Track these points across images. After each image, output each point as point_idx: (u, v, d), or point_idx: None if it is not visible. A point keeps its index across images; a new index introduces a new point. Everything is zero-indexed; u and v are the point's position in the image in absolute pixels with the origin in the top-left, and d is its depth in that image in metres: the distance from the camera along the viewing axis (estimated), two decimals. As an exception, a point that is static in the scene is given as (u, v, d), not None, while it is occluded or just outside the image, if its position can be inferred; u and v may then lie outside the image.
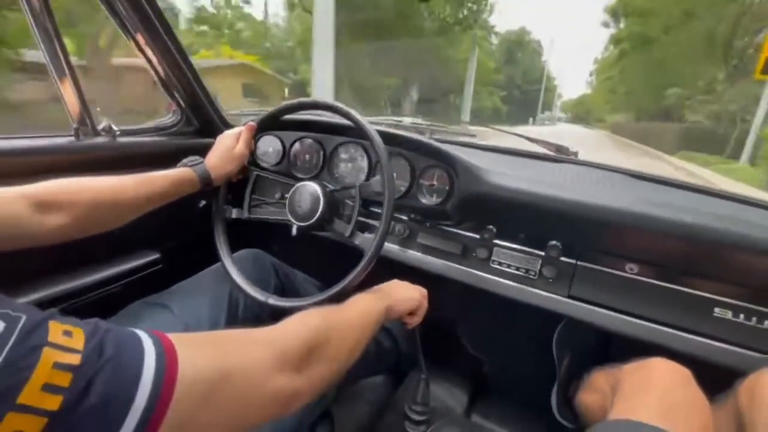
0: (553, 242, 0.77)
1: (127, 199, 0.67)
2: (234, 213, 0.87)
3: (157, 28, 0.83)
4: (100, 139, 0.84)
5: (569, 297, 0.77)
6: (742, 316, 0.65)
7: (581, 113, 64.22)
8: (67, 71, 0.76)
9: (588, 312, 0.76)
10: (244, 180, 0.89)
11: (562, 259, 0.77)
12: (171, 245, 1.01)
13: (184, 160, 0.79)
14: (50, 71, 0.75)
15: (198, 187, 0.77)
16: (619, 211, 0.70)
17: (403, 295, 0.70)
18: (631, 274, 0.73)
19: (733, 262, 0.64)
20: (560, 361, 1.08)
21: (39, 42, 0.72)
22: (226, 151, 0.82)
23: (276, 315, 0.91)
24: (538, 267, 0.79)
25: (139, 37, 0.84)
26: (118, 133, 0.85)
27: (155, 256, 0.94)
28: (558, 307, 0.78)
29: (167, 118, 1.04)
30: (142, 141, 0.94)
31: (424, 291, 0.74)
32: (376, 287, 0.69)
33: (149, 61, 0.89)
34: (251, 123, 0.85)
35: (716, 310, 0.67)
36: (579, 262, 0.77)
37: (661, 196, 0.79)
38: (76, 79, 0.77)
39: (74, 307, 0.80)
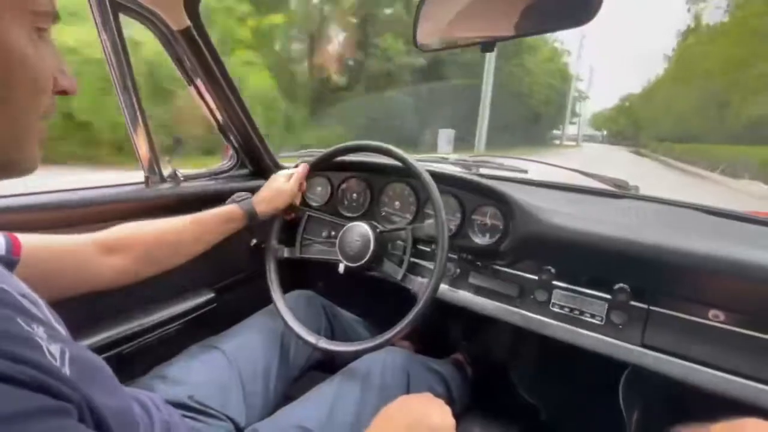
0: (621, 285, 0.72)
1: (181, 238, 0.71)
2: (286, 252, 0.89)
3: (216, 75, 0.89)
4: (166, 185, 0.89)
5: (643, 345, 0.71)
6: None
7: (625, 130, 55.08)
8: (141, 121, 0.82)
9: (666, 363, 0.69)
10: (296, 220, 0.92)
11: (632, 303, 0.71)
12: (225, 284, 1.04)
13: (233, 197, 0.83)
14: (126, 121, 0.82)
15: (244, 222, 0.80)
16: (697, 254, 0.65)
17: (442, 422, 0.56)
18: (716, 321, 0.66)
19: None
20: (629, 414, 0.99)
21: (118, 94, 0.79)
22: (275, 188, 0.85)
23: (326, 357, 0.91)
24: (605, 311, 0.74)
25: (200, 84, 0.91)
26: (182, 179, 0.91)
27: (210, 295, 0.96)
28: (631, 357, 0.71)
29: (224, 163, 1.09)
30: (202, 185, 0.99)
31: (452, 421, 0.59)
32: (405, 401, 0.58)
33: (208, 107, 0.96)
34: (305, 163, 0.88)
35: None
36: (652, 308, 0.70)
37: (742, 235, 0.72)
38: (149, 129, 0.83)
39: (133, 349, 0.83)
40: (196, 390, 0.67)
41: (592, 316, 0.75)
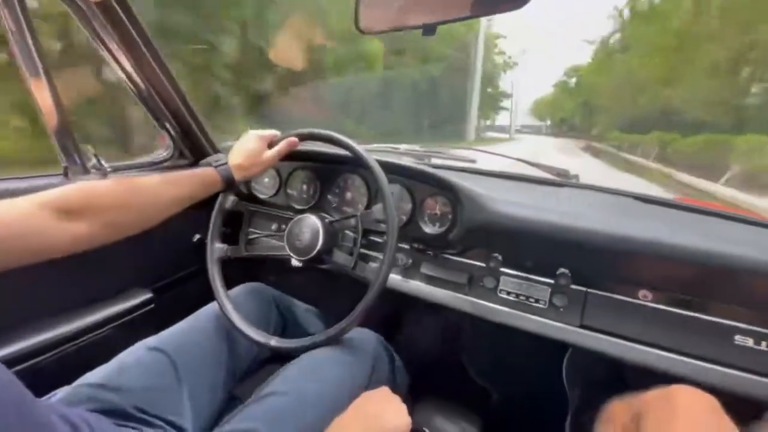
0: (562, 270, 0.75)
1: (152, 200, 0.63)
2: (230, 251, 0.84)
3: (144, 54, 0.81)
4: (90, 177, 0.81)
5: (581, 326, 0.75)
6: (764, 343, 0.63)
7: (571, 117, 43.43)
8: (55, 105, 0.73)
9: (601, 342, 0.73)
10: (239, 216, 0.86)
11: (572, 287, 0.75)
12: (164, 283, 0.97)
13: (207, 159, 0.75)
14: (38, 108, 0.72)
15: (220, 188, 0.73)
16: (627, 237, 0.69)
17: (397, 424, 0.56)
18: (645, 301, 0.70)
19: (752, 287, 0.62)
20: (572, 390, 1.05)
21: (27, 77, 0.70)
22: (253, 152, 0.76)
23: (279, 354, 0.88)
24: (548, 296, 0.77)
25: (126, 64, 0.82)
26: (108, 169, 0.83)
27: (147, 296, 0.89)
28: (570, 338, 0.75)
29: (160, 152, 1.01)
30: (134, 176, 0.91)
31: (407, 419, 0.59)
32: (361, 404, 0.58)
33: (138, 90, 0.87)
34: (294, 138, 0.80)
35: (737, 337, 0.64)
36: (590, 290, 0.74)
37: (670, 220, 0.78)
38: (65, 116, 0.74)
39: (66, 352, 0.76)
40: (137, 397, 0.61)
41: (537, 300, 0.77)
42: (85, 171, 0.80)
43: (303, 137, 0.81)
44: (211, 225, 0.83)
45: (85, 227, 0.55)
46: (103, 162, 0.82)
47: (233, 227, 0.86)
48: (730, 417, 0.51)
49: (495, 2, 0.41)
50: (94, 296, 0.82)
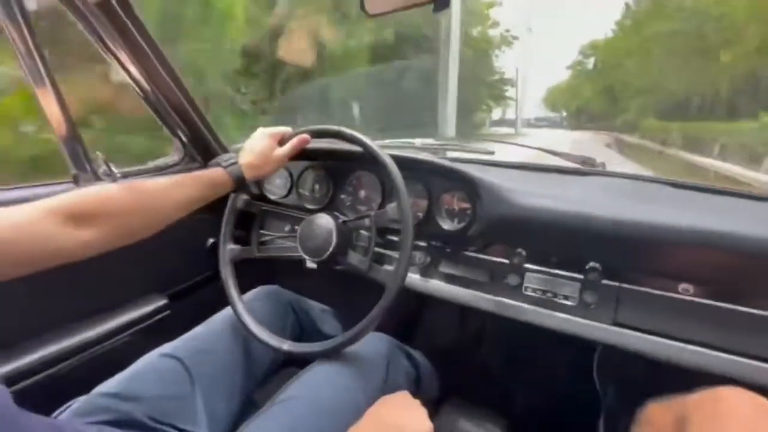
0: (592, 264, 0.70)
1: (160, 204, 0.62)
2: (242, 252, 0.82)
3: (149, 56, 0.79)
4: (100, 184, 0.80)
5: (615, 324, 0.69)
6: None
7: (591, 105, 34.65)
8: (62, 112, 0.72)
9: (639, 340, 0.68)
10: (251, 217, 0.84)
11: (604, 282, 0.70)
12: (178, 289, 0.96)
13: (216, 159, 0.74)
14: (44, 116, 0.72)
15: (231, 188, 0.71)
16: (663, 226, 0.63)
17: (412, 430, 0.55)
18: (686, 295, 0.65)
19: None
20: (604, 391, 0.99)
21: (32, 85, 0.69)
22: (264, 150, 0.74)
23: (294, 359, 0.86)
24: (578, 292, 0.72)
25: (133, 71, 0.81)
26: (119, 175, 0.82)
27: (162, 302, 0.88)
28: (603, 336, 0.70)
29: (170, 156, 1.00)
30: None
31: (429, 425, 0.57)
32: (377, 411, 0.56)
33: (145, 95, 0.86)
34: (306, 135, 0.78)
35: None
36: (623, 285, 0.69)
37: (711, 206, 0.72)
38: (73, 123, 0.73)
39: (81, 361, 0.75)
40: (152, 406, 0.60)
41: (565, 297, 0.73)
42: (96, 178, 0.79)
43: (314, 134, 0.78)
44: (222, 226, 0.81)
45: (94, 231, 0.53)
46: (113, 168, 0.81)
47: (246, 228, 0.84)
48: None
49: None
50: (109, 304, 0.82)
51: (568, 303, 0.72)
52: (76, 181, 0.77)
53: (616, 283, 0.69)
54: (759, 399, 0.50)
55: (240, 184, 0.71)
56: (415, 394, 0.91)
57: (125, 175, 0.85)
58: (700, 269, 0.64)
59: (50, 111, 0.70)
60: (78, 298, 0.79)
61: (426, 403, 0.90)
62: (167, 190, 0.63)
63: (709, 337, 0.63)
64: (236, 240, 0.83)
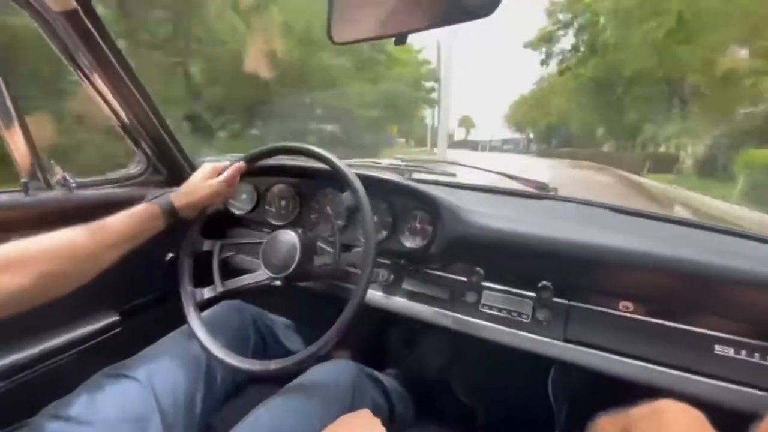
0: (544, 282, 0.74)
1: (87, 250, 0.59)
2: (206, 293, 0.78)
3: (115, 68, 0.78)
4: (53, 193, 0.77)
5: (565, 340, 0.73)
6: (744, 352, 0.62)
7: (560, 126, 28.53)
8: (15, 117, 0.70)
9: (585, 355, 0.72)
10: (210, 254, 0.82)
11: (555, 300, 0.74)
12: (132, 306, 0.92)
13: (149, 195, 0.72)
14: None
15: (162, 222, 0.69)
16: (607, 248, 0.69)
17: None
18: (626, 312, 0.70)
19: (731, 297, 0.63)
20: (559, 407, 1.03)
21: None
22: (196, 182, 0.74)
23: (256, 378, 0.83)
24: (531, 309, 0.76)
25: (98, 81, 0.79)
26: (74, 185, 0.79)
27: (113, 319, 0.84)
28: (554, 352, 0.73)
29: (132, 168, 0.98)
30: (104, 193, 0.88)
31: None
32: (336, 429, 0.56)
33: (109, 106, 0.84)
34: (241, 163, 0.78)
35: (717, 347, 0.64)
36: (572, 303, 0.73)
37: (649, 231, 0.78)
38: (27, 128, 0.71)
39: (24, 380, 0.70)
40: (108, 429, 0.57)
41: (519, 314, 0.76)
42: (48, 187, 0.76)
43: (253, 158, 0.80)
44: (179, 271, 0.78)
45: (20, 281, 0.52)
46: (68, 177, 0.79)
47: (206, 263, 0.81)
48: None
49: (462, 11, 0.41)
50: (55, 320, 0.77)
51: (522, 320, 0.76)
52: (26, 191, 0.73)
53: (566, 301, 0.74)
54: (694, 411, 0.54)
55: (171, 213, 0.71)
56: (389, 420, 0.91)
57: (81, 186, 0.82)
58: (638, 288, 0.69)
59: (1, 112, 0.68)
60: (21, 313, 0.74)
61: (399, 428, 0.90)
62: (92, 234, 0.61)
63: (648, 351, 0.68)
64: (197, 281, 0.80)
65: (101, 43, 0.73)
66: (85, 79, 0.78)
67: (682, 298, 0.67)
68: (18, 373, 0.69)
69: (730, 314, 0.64)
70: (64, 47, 0.73)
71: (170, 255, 1.01)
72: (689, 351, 0.66)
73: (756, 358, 0.62)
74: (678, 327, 0.67)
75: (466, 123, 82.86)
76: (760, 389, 0.61)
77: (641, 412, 0.57)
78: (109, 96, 0.82)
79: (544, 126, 34.40)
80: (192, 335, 0.73)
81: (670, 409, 0.54)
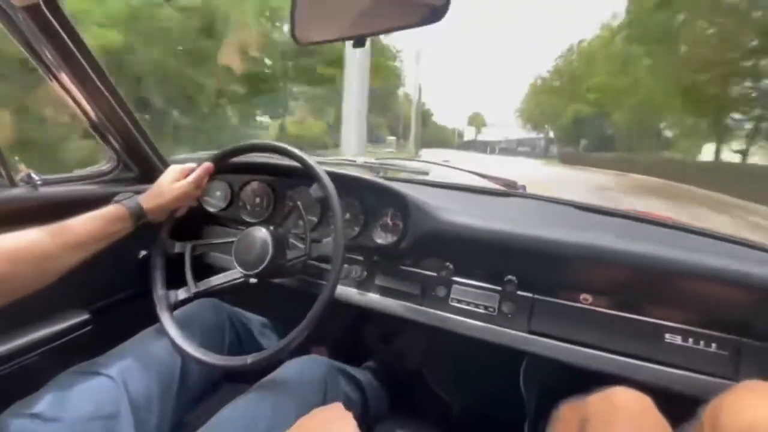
0: (510, 277, 0.77)
1: (48, 252, 0.59)
2: (180, 294, 0.78)
3: (81, 63, 0.77)
4: (17, 191, 0.75)
5: (529, 332, 0.76)
6: (691, 340, 0.66)
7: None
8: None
9: (548, 346, 0.75)
10: (182, 255, 0.82)
11: (519, 293, 0.77)
12: (104, 304, 0.91)
13: (116, 197, 0.72)
14: None
15: (130, 224, 0.69)
16: (568, 243, 0.72)
17: None
18: (586, 304, 0.73)
19: (681, 288, 0.67)
20: (529, 398, 1.06)
21: None
22: (166, 183, 0.75)
23: (232, 375, 0.84)
24: (497, 303, 0.78)
25: (64, 78, 0.78)
26: (39, 182, 0.77)
27: (83, 317, 0.83)
28: (519, 344, 0.76)
29: (101, 165, 0.96)
30: (71, 190, 0.86)
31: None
32: (306, 422, 0.56)
33: (77, 103, 0.83)
34: (208, 163, 0.79)
35: (667, 335, 0.68)
36: (536, 296, 0.76)
37: (607, 227, 0.82)
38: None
39: None
40: (77, 427, 0.56)
41: (486, 308, 0.79)
42: (12, 184, 0.75)
43: (221, 157, 0.81)
44: (151, 273, 0.78)
45: None
46: (33, 175, 0.77)
47: (179, 263, 0.81)
48: (667, 416, 0.53)
49: (420, 16, 0.43)
50: (22, 317, 0.76)
51: (489, 313, 0.79)
52: (-11, 187, 0.72)
53: (530, 294, 0.77)
54: (643, 397, 0.57)
55: (139, 216, 0.71)
56: (363, 414, 0.93)
57: (47, 183, 0.80)
58: (596, 281, 0.73)
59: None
60: None
61: (374, 420, 0.91)
62: (55, 235, 0.60)
63: (605, 341, 0.72)
64: (170, 278, 0.79)
65: (66, 38, 0.72)
66: (50, 75, 0.77)
67: (636, 290, 0.71)
68: None
69: (680, 305, 0.68)
70: (26, 42, 0.71)
71: (143, 253, 1.00)
72: (642, 340, 0.70)
73: (701, 345, 0.66)
74: (632, 317, 0.70)
75: (476, 121, 76.83)
76: (706, 375, 0.65)
77: (595, 398, 0.61)
78: (76, 92, 0.80)
79: (570, 119, 23.30)
80: (164, 332, 0.73)
81: (620, 394, 0.58)
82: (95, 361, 0.67)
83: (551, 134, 33.61)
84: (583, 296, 0.74)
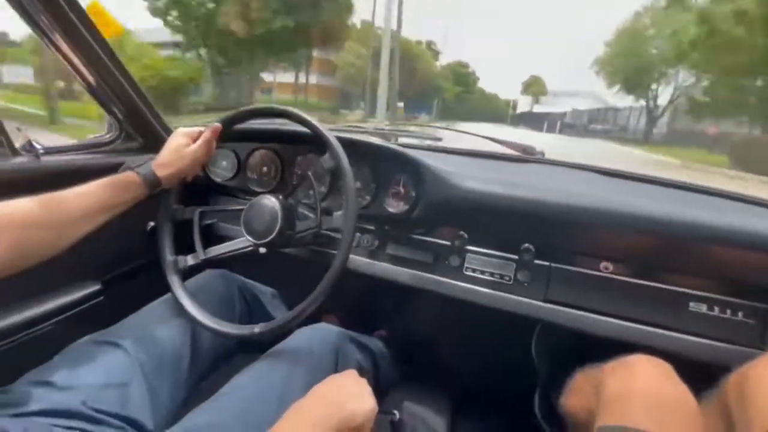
0: (526, 245, 0.74)
1: (68, 215, 0.58)
2: (189, 260, 0.77)
3: (79, 29, 0.73)
4: (19, 160, 0.73)
5: (545, 301, 0.75)
6: (716, 309, 0.64)
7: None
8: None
9: (565, 315, 0.73)
10: (189, 222, 0.80)
11: (536, 262, 0.74)
12: (114, 275, 0.90)
13: (127, 163, 0.70)
14: None
15: (144, 191, 0.68)
16: (589, 209, 0.69)
17: (357, 409, 0.53)
18: (606, 273, 0.71)
19: (705, 255, 0.64)
20: (540, 365, 1.06)
21: None
22: (176, 149, 0.72)
23: (244, 344, 0.84)
24: (513, 272, 0.76)
25: (62, 44, 0.74)
26: (41, 151, 0.75)
27: (95, 287, 0.83)
28: (535, 312, 0.75)
29: (104, 134, 0.94)
30: (74, 159, 0.84)
31: (370, 404, 0.56)
32: (322, 388, 0.56)
33: (77, 70, 0.79)
34: (216, 124, 0.76)
35: (691, 304, 0.66)
36: (553, 264, 0.74)
37: (630, 192, 0.78)
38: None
39: (4, 349, 0.69)
40: (90, 394, 0.56)
41: (501, 276, 0.77)
42: (14, 153, 0.73)
43: (229, 121, 0.77)
44: (159, 240, 0.77)
45: None
46: (35, 144, 0.75)
47: (187, 231, 0.80)
48: (690, 387, 0.52)
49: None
50: (34, 288, 0.76)
51: (504, 282, 0.77)
52: (-10, 156, 0.70)
53: (547, 263, 0.74)
54: (664, 364, 0.56)
55: (153, 184, 0.69)
56: (374, 382, 0.94)
57: (49, 151, 0.78)
58: (618, 249, 0.70)
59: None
60: (0, 282, 0.73)
61: (386, 387, 0.92)
62: (72, 202, 0.59)
63: (626, 310, 0.70)
64: (178, 248, 0.79)
65: (62, 1, 0.67)
66: (47, 40, 0.73)
67: (660, 257, 0.68)
68: None
69: (706, 272, 0.65)
70: (22, 7, 0.67)
71: (151, 224, 0.99)
72: (665, 308, 0.68)
73: (728, 314, 0.64)
74: (655, 286, 0.68)
75: (534, 87, 55.00)
76: (732, 344, 0.64)
77: (612, 365, 0.60)
78: (74, 58, 0.77)
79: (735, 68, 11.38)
80: (175, 302, 0.73)
81: (639, 362, 0.57)
82: (107, 330, 0.68)
83: (656, 100, 18.92)
84: (603, 264, 0.71)
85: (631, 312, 0.70)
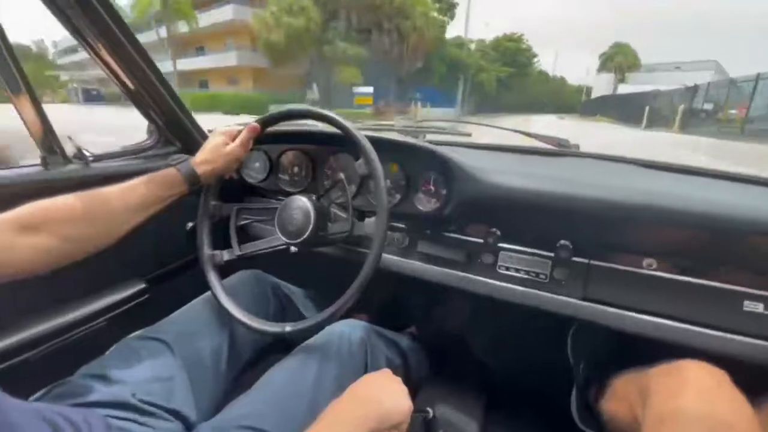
0: (563, 242, 0.72)
1: (113, 210, 0.62)
2: (225, 255, 0.80)
3: (121, 40, 0.77)
4: (71, 167, 0.78)
5: (584, 299, 0.72)
6: None
7: None
8: (26, 91, 0.70)
9: (605, 314, 0.70)
10: (226, 218, 0.83)
11: (574, 259, 0.72)
12: (157, 273, 0.95)
13: (168, 161, 0.73)
14: (10, 96, 0.69)
15: (184, 187, 0.71)
16: (632, 205, 0.66)
17: (394, 408, 0.54)
18: (650, 270, 0.67)
19: (760, 250, 0.59)
20: (577, 366, 1.03)
21: None
22: (215, 147, 0.75)
23: (280, 343, 0.86)
24: (549, 269, 0.74)
25: (104, 54, 0.78)
26: (91, 158, 0.80)
27: (140, 286, 0.88)
28: (573, 311, 0.72)
29: (144, 140, 0.98)
30: (119, 165, 0.89)
31: (406, 404, 0.57)
32: (358, 388, 0.56)
33: (119, 79, 0.84)
34: (254, 124, 0.78)
35: (746, 303, 0.62)
36: (592, 262, 0.71)
37: (674, 185, 0.74)
38: (38, 103, 0.71)
39: (57, 347, 0.75)
40: (138, 387, 0.60)
41: (537, 275, 0.75)
42: (66, 161, 0.78)
43: (265, 123, 0.79)
44: (198, 236, 0.80)
45: (47, 240, 0.54)
46: (84, 151, 0.80)
47: (223, 229, 0.83)
48: (743, 392, 0.49)
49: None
50: (85, 288, 0.81)
51: (540, 280, 0.75)
52: (45, 164, 0.75)
53: (586, 260, 0.72)
54: (718, 371, 0.53)
55: (194, 181, 0.71)
56: (405, 379, 0.94)
57: (98, 159, 0.83)
58: (663, 245, 0.66)
59: (12, 88, 0.68)
60: (55, 282, 0.78)
61: (415, 385, 0.92)
62: (119, 195, 0.62)
63: (673, 309, 0.66)
64: (215, 243, 0.82)
65: (101, 10, 0.71)
66: (88, 49, 0.77)
67: (709, 253, 0.64)
68: (53, 339, 0.73)
69: (760, 269, 0.61)
70: (64, 16, 0.71)
71: (190, 224, 1.04)
72: (717, 308, 0.64)
73: None
74: (705, 284, 0.64)
75: (619, 61, 36.42)
76: None
77: (661, 370, 0.57)
78: (114, 65, 0.81)
79: None
80: (215, 301, 0.76)
81: (691, 367, 0.53)
82: (152, 327, 0.72)
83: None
84: (647, 261, 0.68)
85: (679, 311, 0.66)
